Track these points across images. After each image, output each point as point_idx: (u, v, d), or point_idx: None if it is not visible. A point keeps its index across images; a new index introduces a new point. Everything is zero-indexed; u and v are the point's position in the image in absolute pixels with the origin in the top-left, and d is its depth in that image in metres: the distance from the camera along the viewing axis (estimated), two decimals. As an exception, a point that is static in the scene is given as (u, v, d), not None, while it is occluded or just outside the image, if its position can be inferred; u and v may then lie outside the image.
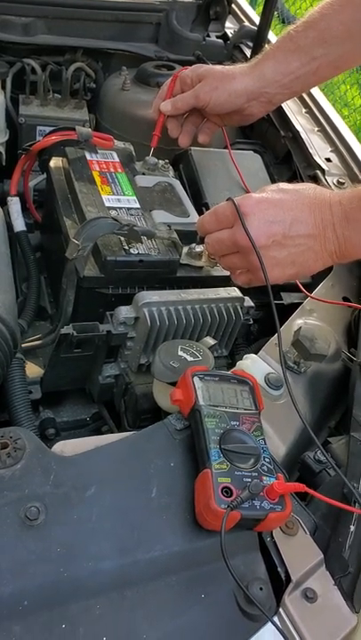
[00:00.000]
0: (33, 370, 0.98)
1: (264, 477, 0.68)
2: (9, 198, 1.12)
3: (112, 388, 0.99)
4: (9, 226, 1.13)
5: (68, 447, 0.70)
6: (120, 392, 0.98)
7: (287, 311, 1.03)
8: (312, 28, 1.04)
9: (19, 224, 1.12)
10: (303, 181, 1.22)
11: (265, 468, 0.69)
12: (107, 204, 1.00)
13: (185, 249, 0.99)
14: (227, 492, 0.66)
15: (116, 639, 0.60)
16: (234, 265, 0.84)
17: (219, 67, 1.13)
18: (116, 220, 0.90)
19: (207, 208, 1.11)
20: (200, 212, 1.05)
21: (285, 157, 1.29)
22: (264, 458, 0.70)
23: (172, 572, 0.65)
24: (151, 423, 0.96)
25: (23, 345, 0.99)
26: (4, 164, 1.27)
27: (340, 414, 0.97)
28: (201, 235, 0.87)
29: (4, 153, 1.25)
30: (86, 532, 0.64)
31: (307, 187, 0.81)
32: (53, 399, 1.04)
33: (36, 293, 1.07)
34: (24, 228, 1.12)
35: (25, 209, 1.20)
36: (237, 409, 0.74)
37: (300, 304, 1.04)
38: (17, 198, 1.13)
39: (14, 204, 1.12)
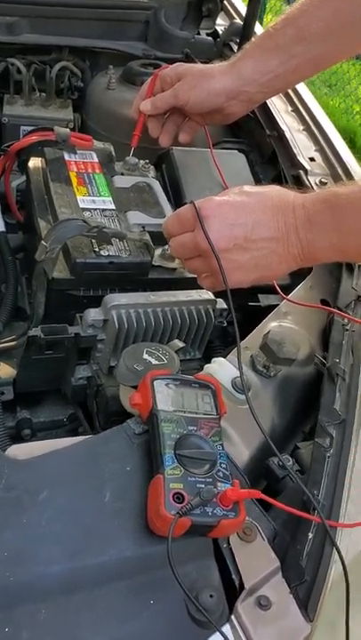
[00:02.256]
0: (6, 370, 0.98)
1: (219, 483, 0.68)
2: (-12, 199, 1.12)
3: (85, 389, 0.99)
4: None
5: (22, 451, 0.70)
6: (92, 394, 0.97)
7: (265, 313, 1.02)
8: (291, 24, 1.03)
9: (-2, 224, 1.12)
10: (287, 181, 1.20)
11: (220, 473, 0.69)
12: (81, 205, 0.99)
13: (158, 250, 0.98)
14: (178, 497, 0.65)
15: (59, 644, 0.60)
16: (197, 268, 0.84)
17: (199, 65, 1.13)
18: (85, 221, 0.90)
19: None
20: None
21: (271, 157, 1.28)
22: (220, 464, 0.70)
23: (123, 578, 0.65)
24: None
25: (-1, 346, 0.99)
26: (-12, 163, 1.27)
27: (315, 419, 0.96)
28: (166, 237, 0.86)
29: (-13, 153, 1.25)
30: (36, 536, 0.64)
31: (271, 189, 0.80)
32: (32, 399, 1.05)
33: (12, 294, 1.07)
34: (3, 229, 1.12)
35: (7, 210, 1.21)
36: (196, 414, 0.74)
37: (277, 307, 1.03)
38: (-3, 199, 1.13)
39: (-6, 204, 1.12)
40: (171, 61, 1.32)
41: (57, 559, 0.63)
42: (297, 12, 1.03)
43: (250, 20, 1.36)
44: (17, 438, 1.01)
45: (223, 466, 0.70)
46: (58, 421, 1.06)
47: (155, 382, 0.75)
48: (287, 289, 1.06)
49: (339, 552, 0.69)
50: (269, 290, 1.06)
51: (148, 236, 0.96)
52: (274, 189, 0.81)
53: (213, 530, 0.66)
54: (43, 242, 0.89)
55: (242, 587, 0.68)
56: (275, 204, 0.78)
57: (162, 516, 0.64)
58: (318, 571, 0.69)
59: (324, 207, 0.76)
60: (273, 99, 1.31)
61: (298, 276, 1.08)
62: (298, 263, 0.81)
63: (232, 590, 0.68)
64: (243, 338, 1.04)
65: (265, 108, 1.30)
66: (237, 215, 0.77)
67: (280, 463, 0.80)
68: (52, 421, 1.06)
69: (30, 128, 1.22)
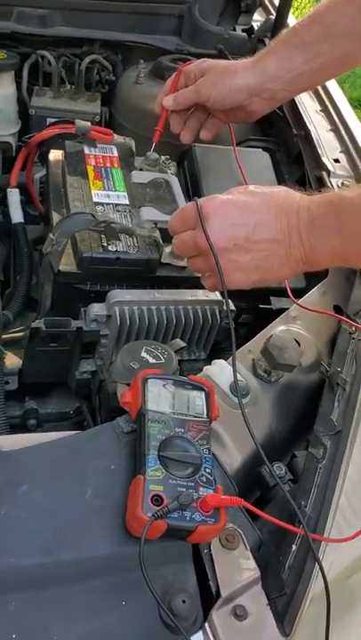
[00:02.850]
0: (12, 360, 0.99)
1: (201, 488, 0.67)
2: (8, 190, 1.14)
3: (89, 383, 0.99)
4: (8, 217, 1.15)
5: (7, 442, 0.71)
6: (96, 388, 0.98)
7: (276, 316, 1.00)
8: (318, 21, 1.00)
9: (16, 215, 1.13)
10: (311, 183, 1.18)
11: (204, 478, 0.68)
12: (95, 200, 1.00)
13: (168, 248, 0.97)
14: (157, 500, 0.64)
15: (25, 637, 0.60)
16: (199, 267, 0.82)
17: (223, 62, 1.11)
18: (93, 215, 0.89)
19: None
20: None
21: (297, 157, 1.25)
22: (205, 468, 0.69)
23: (96, 576, 0.65)
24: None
25: (5, 336, 1.00)
26: (14, 154, 1.28)
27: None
28: (171, 234, 0.85)
29: (14, 144, 1.27)
30: (12, 529, 0.64)
31: (278, 190, 0.78)
32: (41, 390, 1.06)
33: (25, 285, 1.08)
34: (21, 220, 1.13)
35: (30, 201, 1.22)
36: (186, 416, 0.73)
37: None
38: (16, 190, 1.14)
39: (13, 195, 1.13)
40: (204, 57, 1.30)
41: (31, 553, 0.63)
42: (324, 9, 1.00)
43: (282, 12, 1.33)
44: (22, 428, 1.02)
45: (208, 470, 0.69)
46: (64, 413, 1.06)
47: (148, 381, 0.74)
48: (302, 292, 1.04)
49: (321, 567, 0.67)
50: (282, 292, 1.04)
51: (157, 233, 0.95)
52: (281, 190, 0.78)
53: (191, 535, 0.65)
54: (50, 235, 0.89)
55: (218, 594, 0.66)
56: (279, 205, 0.76)
57: (138, 518, 0.63)
58: (299, 584, 0.67)
59: (328, 210, 0.73)
60: (302, 97, 1.28)
61: (314, 279, 1.06)
62: (301, 267, 0.78)
63: (209, 597, 0.67)
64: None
65: (293, 107, 1.27)
66: (240, 215, 0.76)
67: (272, 472, 0.78)
68: (59, 413, 1.06)
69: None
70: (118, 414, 0.94)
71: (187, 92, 1.09)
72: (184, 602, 0.64)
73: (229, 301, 0.96)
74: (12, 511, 0.65)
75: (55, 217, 0.99)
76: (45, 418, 1.04)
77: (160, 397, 0.73)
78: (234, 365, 0.76)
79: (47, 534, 0.65)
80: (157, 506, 0.64)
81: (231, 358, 0.87)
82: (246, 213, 0.76)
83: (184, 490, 0.66)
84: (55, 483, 0.68)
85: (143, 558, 0.61)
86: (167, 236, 0.96)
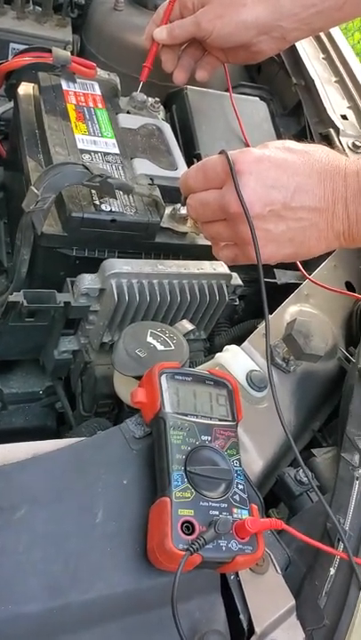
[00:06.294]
0: (-24, 336, 0.83)
1: (235, 509, 0.56)
2: (-34, 127, 0.95)
3: (69, 364, 0.85)
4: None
5: (-4, 454, 0.57)
6: (78, 370, 0.84)
7: (280, 292, 0.90)
8: None
9: (-25, 159, 0.95)
10: (313, 138, 1.05)
11: (237, 497, 0.57)
12: (79, 146, 0.83)
13: (168, 210, 0.83)
14: (188, 527, 0.53)
15: None
16: (218, 235, 0.69)
17: (228, -10, 0.95)
18: (86, 167, 0.74)
19: (200, 160, 0.95)
20: (191, 165, 0.89)
21: (295, 109, 1.12)
22: (237, 484, 0.58)
23: (113, 618, 0.54)
24: (111, 410, 0.84)
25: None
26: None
27: (326, 415, 0.85)
28: (184, 193, 0.71)
29: (-32, 71, 1.06)
30: (10, 566, 0.51)
31: (319, 149, 0.66)
32: (3, 366, 0.91)
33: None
34: (-18, 165, 0.95)
35: (-12, 140, 1.04)
36: (210, 419, 0.61)
37: (295, 285, 0.90)
38: (-24, 128, 0.95)
39: (-28, 134, 0.94)
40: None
41: (35, 596, 0.51)
42: None
43: None
44: (-15, 412, 0.88)
45: (240, 487, 0.58)
46: (33, 394, 0.93)
47: (162, 377, 0.62)
48: (305, 266, 0.93)
49: (368, 596, 0.59)
50: (287, 265, 0.93)
51: (158, 192, 0.81)
52: (322, 150, 0.66)
53: (226, 565, 0.55)
54: (33, 188, 0.73)
55: (250, 630, 0.57)
56: (323, 168, 0.64)
57: (168, 551, 0.52)
58: (341, 615, 0.59)
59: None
60: (303, 42, 1.14)
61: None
62: (340, 242, 0.67)
63: (238, 630, 0.58)
64: (254, 317, 0.92)
65: (293, 52, 1.13)
66: (278, 175, 0.63)
67: (298, 478, 0.69)
68: (27, 393, 0.92)
69: (21, 47, 1.03)
70: (105, 401, 0.82)
71: (185, 23, 0.93)
72: (218, 645, 0.54)
73: (236, 275, 0.85)
74: (8, 543, 0.52)
75: (31, 164, 0.82)
76: (11, 399, 0.91)
77: (180, 397, 0.61)
78: (267, 344, 0.65)
79: (53, 570, 0.52)
80: (188, 534, 0.53)
81: (248, 341, 0.77)
82: (285, 174, 0.63)
83: (217, 513, 0.55)
84: (60, 504, 0.55)
85: (175, 603, 0.50)
86: (164, 196, 0.83)
